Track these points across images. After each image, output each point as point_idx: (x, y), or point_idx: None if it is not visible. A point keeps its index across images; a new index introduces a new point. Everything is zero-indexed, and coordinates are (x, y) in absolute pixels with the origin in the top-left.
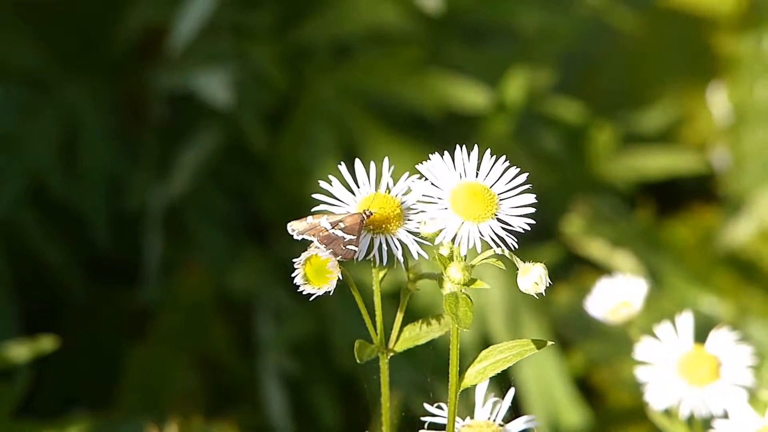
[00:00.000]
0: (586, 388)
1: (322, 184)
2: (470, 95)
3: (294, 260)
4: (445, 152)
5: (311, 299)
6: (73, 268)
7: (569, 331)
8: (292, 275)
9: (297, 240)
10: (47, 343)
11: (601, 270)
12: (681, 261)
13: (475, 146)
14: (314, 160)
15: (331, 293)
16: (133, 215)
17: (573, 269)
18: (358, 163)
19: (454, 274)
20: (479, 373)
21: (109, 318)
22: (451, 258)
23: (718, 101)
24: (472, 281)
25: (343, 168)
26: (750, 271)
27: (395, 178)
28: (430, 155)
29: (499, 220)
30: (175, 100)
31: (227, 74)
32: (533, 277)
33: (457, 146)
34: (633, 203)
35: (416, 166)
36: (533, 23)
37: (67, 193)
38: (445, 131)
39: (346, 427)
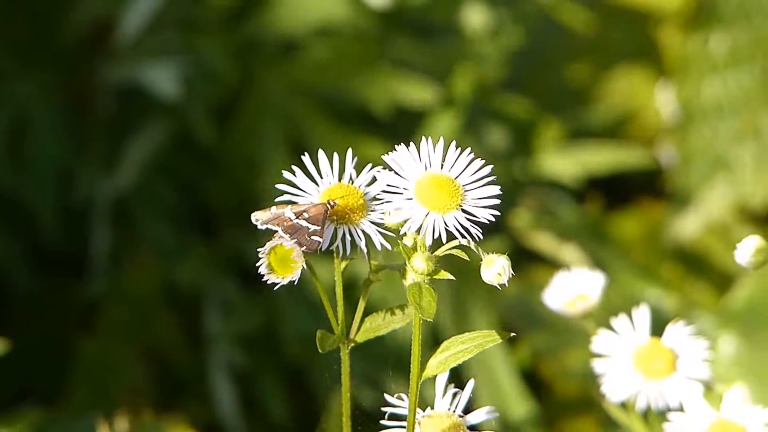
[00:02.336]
0: (532, 380)
1: (285, 174)
2: (418, 91)
3: (258, 257)
4: (411, 143)
5: (259, 291)
6: (20, 260)
7: (516, 323)
8: (242, 265)
9: (245, 233)
10: None
11: (548, 263)
12: (628, 255)
13: (428, 140)
14: (263, 153)
15: (295, 282)
16: (81, 208)
17: (520, 263)
18: (321, 153)
19: (418, 264)
20: (441, 364)
21: (58, 311)
22: (414, 248)
23: (666, 99)
24: (436, 272)
25: (306, 159)
26: (697, 266)
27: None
28: (378, 150)
29: (463, 211)
30: (124, 93)
31: (175, 68)
32: (497, 268)
33: (406, 141)
34: (581, 198)
35: (382, 157)
36: (482, 20)
37: (15, 185)
38: (393, 126)
39: (296, 419)
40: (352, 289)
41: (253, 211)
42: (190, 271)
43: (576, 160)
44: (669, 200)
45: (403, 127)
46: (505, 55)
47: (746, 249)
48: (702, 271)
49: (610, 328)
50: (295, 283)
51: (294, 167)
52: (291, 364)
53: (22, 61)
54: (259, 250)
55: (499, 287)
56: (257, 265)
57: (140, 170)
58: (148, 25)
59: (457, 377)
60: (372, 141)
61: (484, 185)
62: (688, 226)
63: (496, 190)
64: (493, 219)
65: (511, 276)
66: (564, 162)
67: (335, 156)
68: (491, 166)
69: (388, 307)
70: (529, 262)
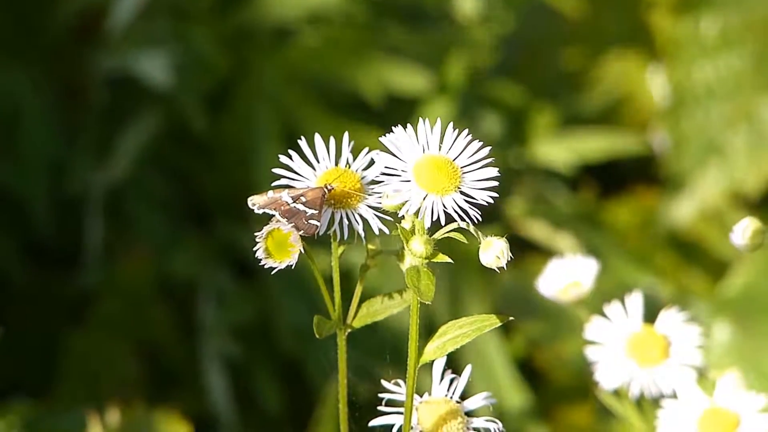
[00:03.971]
0: (527, 369)
1: (282, 158)
2: (411, 78)
3: (256, 241)
4: (408, 125)
5: (253, 282)
6: (12, 253)
7: (511, 312)
8: (236, 256)
9: (239, 223)
10: None
11: (542, 251)
12: (622, 242)
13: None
14: (256, 143)
15: (292, 266)
16: (73, 199)
17: (515, 251)
18: (317, 138)
19: (417, 247)
20: (438, 349)
21: (50, 303)
22: (412, 231)
23: (658, 82)
24: (434, 254)
25: (303, 143)
26: (691, 252)
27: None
28: (372, 138)
29: (462, 193)
30: (115, 83)
31: (167, 57)
32: (495, 250)
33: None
34: (575, 185)
35: (379, 139)
36: (474, 6)
37: (7, 177)
38: (386, 114)
39: (290, 411)
40: (348, 278)
41: (249, 199)
42: (184, 262)
43: (569, 147)
44: (662, 186)
45: (397, 115)
46: (497, 42)
47: (743, 231)
48: (696, 258)
49: (603, 315)
50: (292, 267)
51: (291, 151)
52: (285, 356)
53: (11, 52)
54: (256, 234)
55: (497, 270)
56: (254, 249)
57: (133, 161)
58: (138, 14)
59: (453, 366)
60: (366, 129)
61: (482, 167)
62: (682, 212)
63: (494, 171)
64: (491, 201)
65: (510, 259)
66: (557, 149)
67: (332, 140)
68: (489, 147)
69: (386, 293)
70: (523, 251)
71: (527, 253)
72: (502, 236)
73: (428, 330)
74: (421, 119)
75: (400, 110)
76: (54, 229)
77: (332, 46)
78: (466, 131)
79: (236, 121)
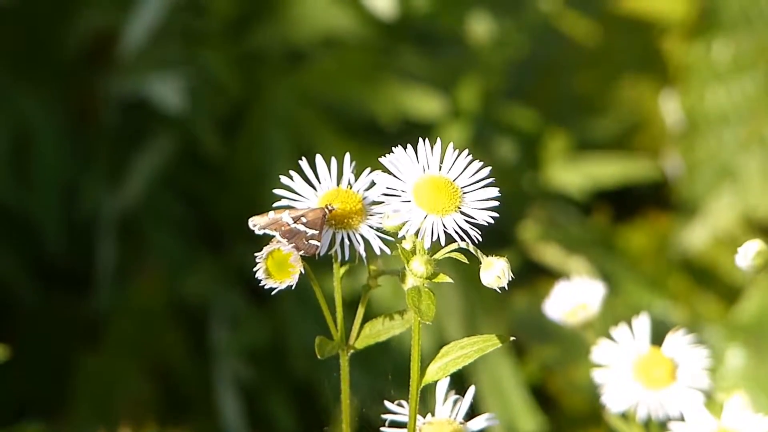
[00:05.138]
0: (540, 394)
1: (283, 179)
2: (425, 102)
3: (256, 262)
4: (408, 145)
5: (266, 304)
6: (25, 275)
7: (525, 336)
8: (249, 278)
9: (253, 245)
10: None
11: (556, 276)
12: (635, 267)
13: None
14: (269, 165)
15: (293, 287)
16: (86, 221)
17: (529, 275)
18: (318, 158)
19: (417, 267)
20: (441, 369)
21: (62, 325)
22: (413, 252)
23: (671, 108)
24: (435, 275)
25: (304, 163)
26: (704, 277)
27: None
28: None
29: (462, 213)
30: (127, 105)
31: (179, 79)
32: (496, 271)
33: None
34: (588, 210)
35: (379, 160)
36: (486, 30)
37: (19, 199)
38: (399, 138)
39: None
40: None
41: (249, 219)
42: (197, 284)
43: (583, 172)
44: (676, 211)
45: (411, 139)
46: (511, 66)
47: (746, 252)
48: (709, 283)
49: (611, 338)
50: (293, 288)
51: (292, 172)
52: (298, 379)
53: (25, 75)
54: (255, 254)
55: (499, 290)
56: (254, 270)
57: (146, 183)
58: (151, 37)
59: (464, 389)
60: (379, 153)
61: (482, 187)
62: (695, 237)
63: (495, 192)
64: (492, 221)
65: (511, 279)
66: (571, 174)
67: (333, 161)
68: (490, 167)
69: (388, 313)
70: (537, 275)
71: (541, 277)
72: (511, 259)
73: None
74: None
75: (414, 134)
76: (66, 252)
77: (346, 70)
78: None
79: (249, 144)
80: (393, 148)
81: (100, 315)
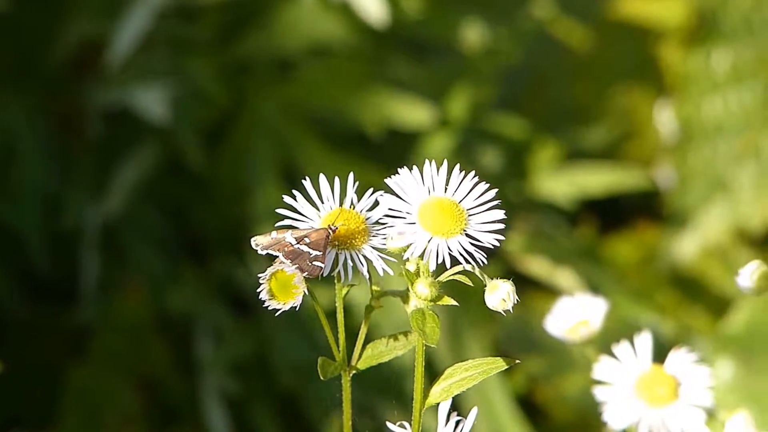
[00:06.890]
0: (528, 405)
1: (286, 198)
2: (414, 112)
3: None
4: (414, 166)
5: (250, 317)
6: (8, 287)
7: (511, 348)
8: (232, 291)
9: (236, 258)
10: None
11: (542, 287)
12: (623, 279)
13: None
14: (254, 177)
15: (297, 308)
16: (69, 233)
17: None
18: (322, 178)
19: (422, 290)
20: (444, 392)
21: (48, 338)
22: (417, 274)
23: (666, 117)
24: (439, 297)
25: (307, 183)
26: (693, 290)
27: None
28: (371, 173)
29: (467, 235)
30: (112, 116)
31: (164, 90)
32: (501, 293)
33: (399, 162)
34: (575, 220)
35: (384, 180)
36: (478, 38)
37: (2, 211)
38: (385, 148)
39: None
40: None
41: (246, 236)
42: (181, 297)
43: (571, 181)
44: (665, 222)
45: (396, 148)
46: (502, 74)
47: (749, 274)
48: (698, 295)
49: (608, 354)
50: (297, 309)
51: (295, 192)
52: (284, 392)
53: (8, 85)
54: (259, 275)
55: (503, 313)
56: (258, 290)
57: (129, 195)
58: (136, 47)
59: (452, 403)
60: (365, 164)
61: (488, 209)
62: (685, 248)
63: (500, 214)
64: (497, 244)
65: (516, 302)
66: (559, 183)
67: (336, 180)
68: (495, 189)
69: (389, 334)
70: (522, 287)
71: (527, 289)
72: (505, 276)
73: (427, 366)
74: (417, 159)
75: (400, 143)
76: (50, 263)
77: (334, 79)
78: (470, 172)
79: (234, 155)
80: (378, 158)
81: (86, 327)
